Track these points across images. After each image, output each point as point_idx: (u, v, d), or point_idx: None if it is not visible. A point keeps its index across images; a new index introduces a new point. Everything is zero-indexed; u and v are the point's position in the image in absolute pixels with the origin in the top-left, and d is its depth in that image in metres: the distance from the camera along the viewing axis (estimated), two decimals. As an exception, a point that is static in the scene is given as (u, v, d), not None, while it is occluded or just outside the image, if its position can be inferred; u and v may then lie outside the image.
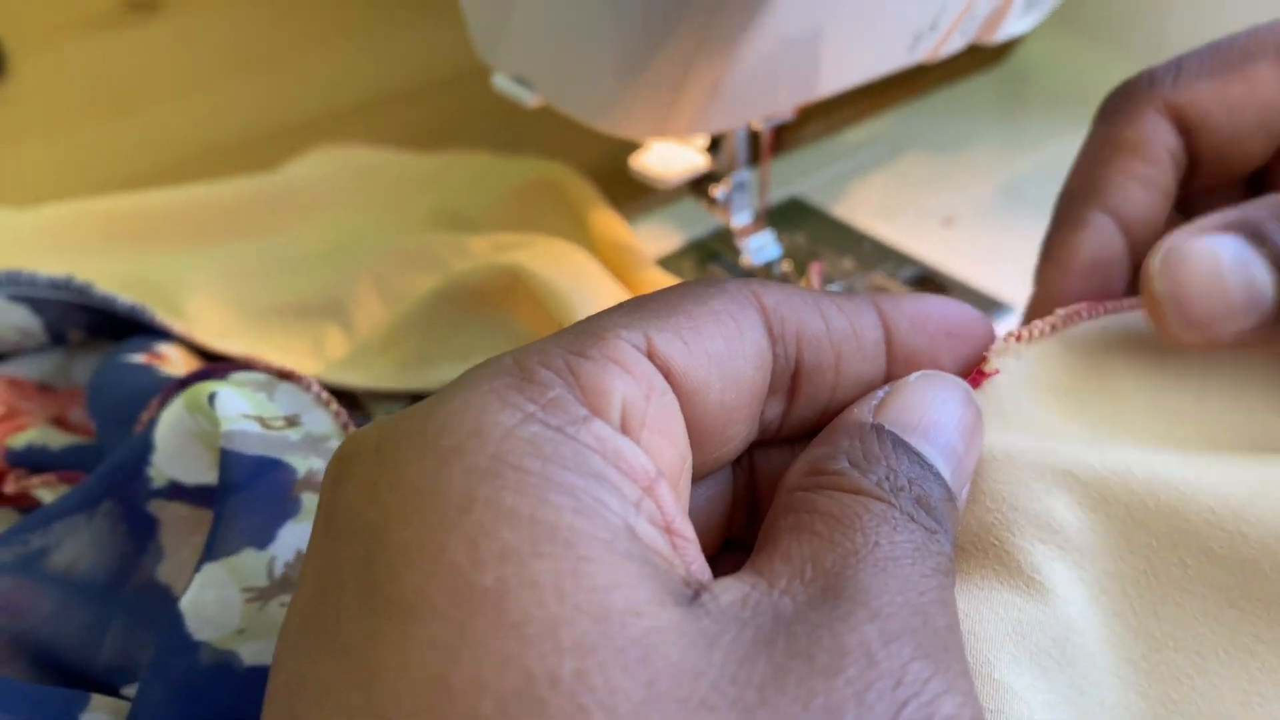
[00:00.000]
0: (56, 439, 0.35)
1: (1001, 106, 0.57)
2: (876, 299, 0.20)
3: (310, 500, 0.26)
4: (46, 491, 0.33)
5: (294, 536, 0.26)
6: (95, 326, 0.38)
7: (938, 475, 0.17)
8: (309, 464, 0.27)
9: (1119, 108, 0.24)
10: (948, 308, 0.20)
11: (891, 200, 0.50)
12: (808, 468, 0.18)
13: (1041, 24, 0.61)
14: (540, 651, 0.13)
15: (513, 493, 0.14)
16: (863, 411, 0.18)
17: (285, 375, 0.29)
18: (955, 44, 0.37)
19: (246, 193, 0.45)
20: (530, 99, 0.36)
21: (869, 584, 0.15)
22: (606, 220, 0.42)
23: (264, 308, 0.40)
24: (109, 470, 0.29)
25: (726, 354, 0.17)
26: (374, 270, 0.41)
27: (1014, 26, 0.38)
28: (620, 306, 0.18)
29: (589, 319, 0.17)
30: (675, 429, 0.17)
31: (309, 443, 0.27)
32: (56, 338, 0.37)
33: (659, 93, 0.33)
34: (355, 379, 0.37)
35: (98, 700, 0.27)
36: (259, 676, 0.25)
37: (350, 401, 0.38)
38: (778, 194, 0.50)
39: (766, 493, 0.20)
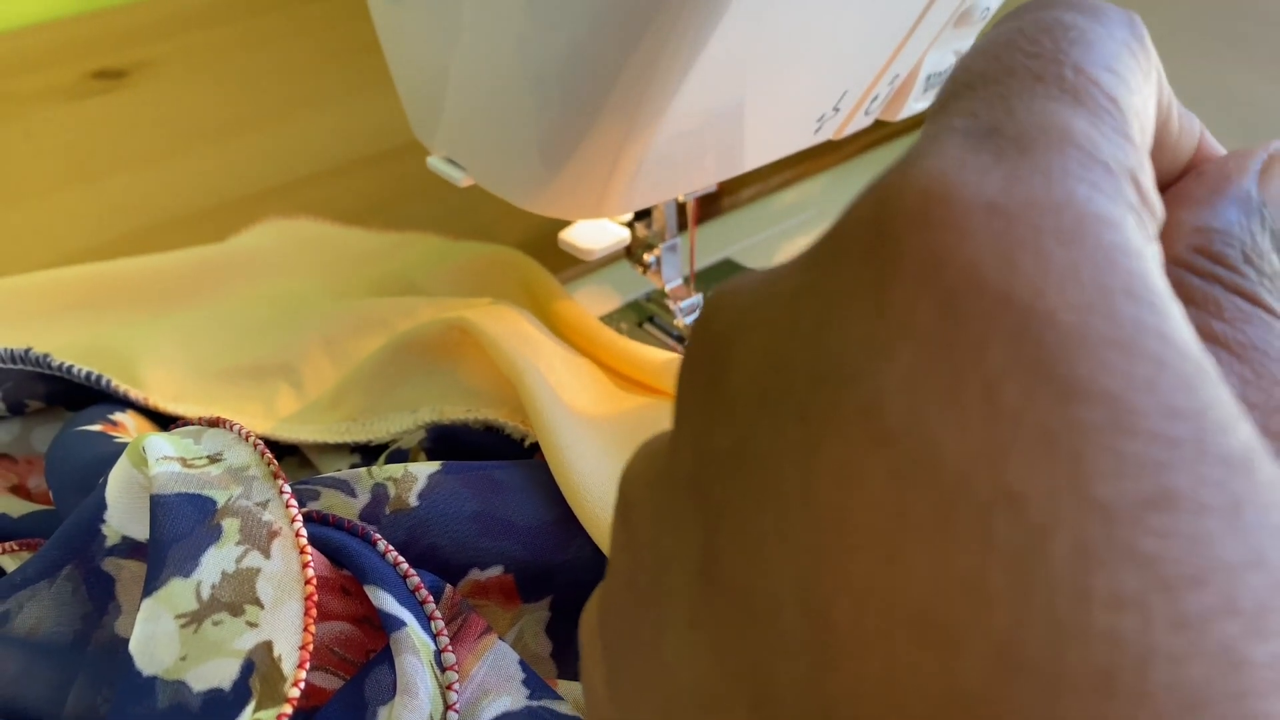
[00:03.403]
0: (16, 507, 0.37)
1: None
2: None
3: (231, 525, 0.28)
4: (9, 560, 0.35)
5: (215, 561, 0.27)
6: (53, 395, 0.40)
7: None
8: (229, 493, 0.29)
9: None
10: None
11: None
12: (1195, 239, 0.15)
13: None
14: None
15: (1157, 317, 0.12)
16: (1247, 178, 0.16)
17: (213, 423, 0.32)
18: (860, 123, 0.40)
19: (196, 262, 0.47)
20: (462, 179, 0.38)
21: None
22: (564, 304, 0.45)
23: (217, 371, 0.42)
24: (66, 532, 0.31)
25: None
26: (324, 333, 0.43)
27: (915, 105, 0.40)
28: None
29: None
30: None
31: (230, 474, 0.29)
32: (14, 408, 0.39)
33: (584, 178, 0.36)
34: (304, 434, 0.39)
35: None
36: (214, 712, 0.26)
37: (286, 452, 0.40)
38: (712, 256, 0.53)
39: None
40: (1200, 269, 0.15)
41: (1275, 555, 0.10)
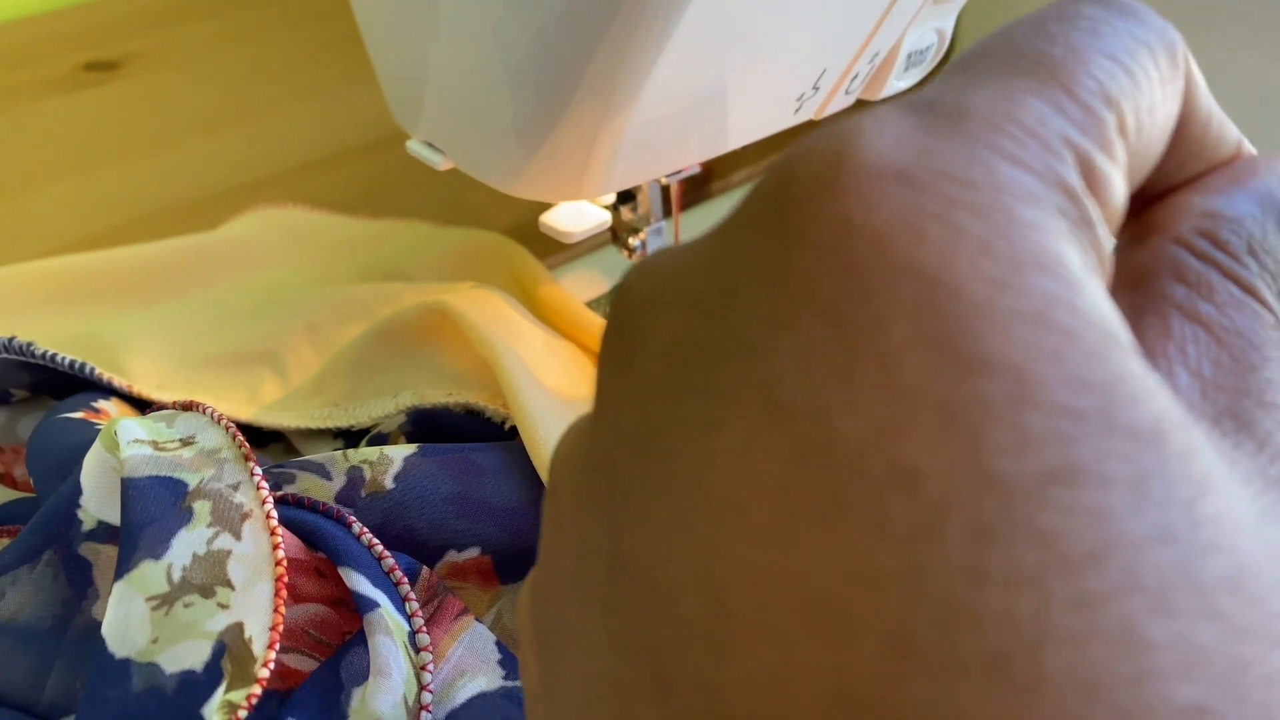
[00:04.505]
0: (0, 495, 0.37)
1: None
2: None
3: (203, 507, 0.28)
4: (-11, 545, 0.35)
5: (186, 544, 0.28)
6: (38, 385, 0.40)
7: None
8: (201, 475, 0.29)
9: None
10: None
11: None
12: (1201, 222, 0.15)
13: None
14: None
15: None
16: (1275, 178, 0.15)
17: (186, 406, 0.32)
18: (841, 102, 0.40)
19: (183, 252, 0.47)
20: (441, 163, 0.38)
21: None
22: (549, 288, 0.45)
23: (201, 359, 0.42)
24: (44, 518, 0.31)
25: None
26: (307, 320, 0.43)
27: (897, 84, 0.40)
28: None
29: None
30: None
31: (201, 456, 0.29)
32: (0, 397, 0.39)
33: (562, 160, 0.36)
34: (287, 420, 0.39)
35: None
36: (187, 694, 0.26)
37: (270, 438, 0.40)
38: (700, 240, 0.52)
39: None
40: (1199, 250, 0.15)
41: (1183, 530, 0.10)
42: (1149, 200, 0.16)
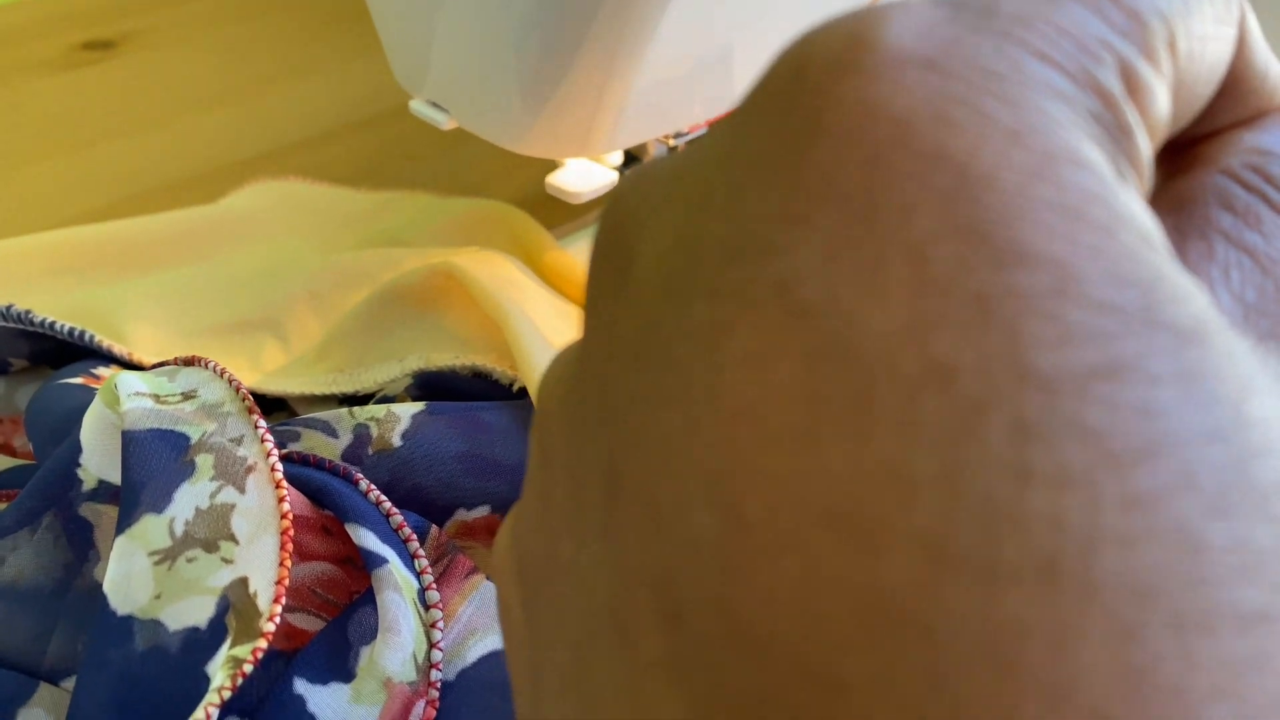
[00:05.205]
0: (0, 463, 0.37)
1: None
2: None
3: (205, 461, 0.27)
4: (-10, 509, 0.34)
5: (190, 497, 0.27)
6: (38, 354, 0.39)
7: None
8: (203, 429, 0.28)
9: None
10: None
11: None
12: (1251, 157, 0.14)
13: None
14: None
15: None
16: None
17: (188, 362, 0.31)
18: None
19: (184, 224, 0.47)
20: (445, 122, 0.38)
21: None
22: (555, 254, 0.44)
23: (202, 326, 0.41)
24: (43, 479, 0.30)
25: None
26: (309, 288, 0.42)
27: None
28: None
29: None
30: None
31: (204, 410, 0.29)
32: (-2, 366, 0.39)
33: (568, 115, 0.35)
34: (290, 387, 0.38)
35: (43, 690, 0.28)
36: (191, 652, 0.26)
37: (274, 406, 0.39)
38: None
39: None
40: (1248, 182, 0.14)
41: (1232, 430, 0.10)
42: (1194, 141, 0.15)
